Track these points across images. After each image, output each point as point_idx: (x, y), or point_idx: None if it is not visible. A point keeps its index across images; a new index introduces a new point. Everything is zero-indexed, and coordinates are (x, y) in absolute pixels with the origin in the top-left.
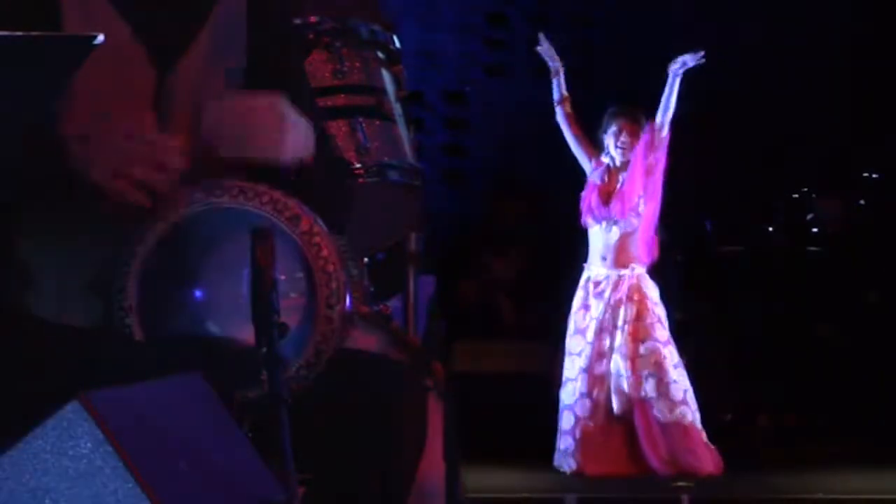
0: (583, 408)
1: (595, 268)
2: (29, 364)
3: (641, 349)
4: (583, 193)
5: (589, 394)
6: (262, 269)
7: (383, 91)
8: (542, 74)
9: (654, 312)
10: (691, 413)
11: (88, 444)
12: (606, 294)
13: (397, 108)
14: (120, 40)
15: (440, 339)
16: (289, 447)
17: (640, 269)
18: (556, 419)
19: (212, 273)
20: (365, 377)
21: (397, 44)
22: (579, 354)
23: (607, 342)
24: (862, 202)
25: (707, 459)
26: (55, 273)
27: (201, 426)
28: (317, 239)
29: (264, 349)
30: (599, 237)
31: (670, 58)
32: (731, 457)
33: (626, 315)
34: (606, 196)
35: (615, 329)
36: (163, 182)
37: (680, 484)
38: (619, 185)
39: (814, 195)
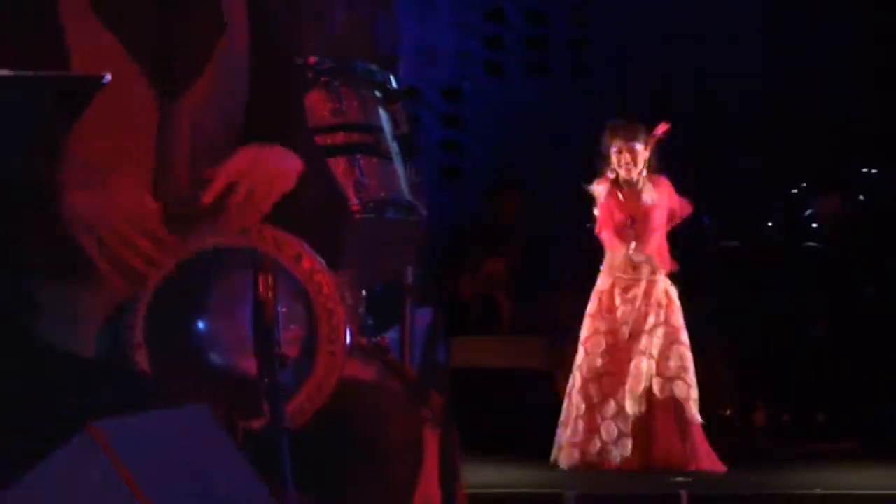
0: (603, 407)
1: (621, 274)
2: (38, 393)
3: (670, 352)
4: (600, 214)
5: (612, 394)
6: (264, 301)
7: (380, 129)
8: (540, 72)
9: (679, 316)
10: (698, 415)
11: (98, 473)
12: (638, 299)
13: (394, 147)
14: (126, 75)
15: (438, 370)
16: (290, 473)
17: (663, 273)
18: (554, 414)
19: (216, 308)
20: (362, 406)
21: (394, 83)
22: (601, 355)
23: (633, 344)
24: (861, 198)
25: (712, 460)
26: (65, 306)
27: (207, 454)
28: (318, 277)
29: (266, 379)
30: (623, 252)
31: (668, 54)
32: (729, 452)
33: (657, 318)
34: (630, 218)
35: (642, 333)
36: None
37: (678, 479)
38: (638, 205)
39: (812, 191)
